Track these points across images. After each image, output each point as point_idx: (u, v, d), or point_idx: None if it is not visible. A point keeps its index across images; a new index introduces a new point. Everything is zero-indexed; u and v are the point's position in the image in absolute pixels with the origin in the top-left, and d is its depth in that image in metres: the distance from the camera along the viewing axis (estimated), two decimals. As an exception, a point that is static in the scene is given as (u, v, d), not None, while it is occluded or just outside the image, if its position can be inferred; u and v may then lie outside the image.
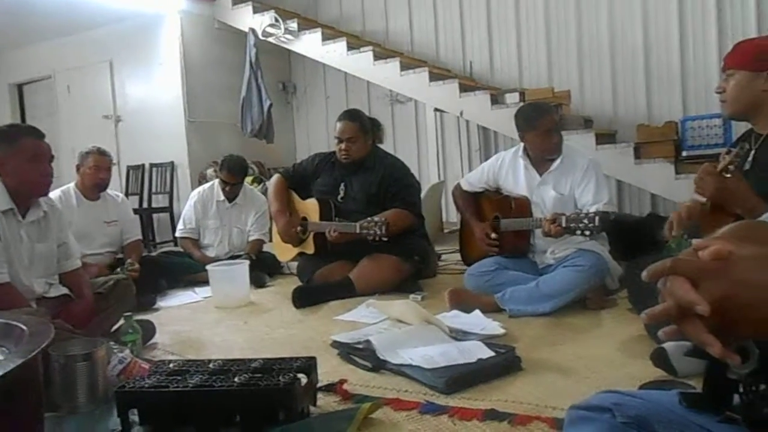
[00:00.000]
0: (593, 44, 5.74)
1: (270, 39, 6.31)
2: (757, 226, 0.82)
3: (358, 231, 3.13)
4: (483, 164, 3.30)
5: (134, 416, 1.63)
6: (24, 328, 1.39)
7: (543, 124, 2.89)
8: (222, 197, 4.32)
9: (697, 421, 0.85)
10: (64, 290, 2.47)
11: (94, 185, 3.66)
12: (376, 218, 3.09)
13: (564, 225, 2.56)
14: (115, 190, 4.33)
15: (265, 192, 4.56)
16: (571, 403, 0.96)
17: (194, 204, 4.35)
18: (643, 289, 1.95)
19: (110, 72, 7.01)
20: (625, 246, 3.07)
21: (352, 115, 3.57)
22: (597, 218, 2.48)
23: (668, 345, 1.82)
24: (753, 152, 1.91)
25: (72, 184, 3.71)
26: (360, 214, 3.23)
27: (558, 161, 2.92)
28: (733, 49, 1.99)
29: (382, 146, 3.77)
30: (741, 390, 0.78)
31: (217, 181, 4.40)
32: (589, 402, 0.95)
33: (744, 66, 1.90)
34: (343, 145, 3.49)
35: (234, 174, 4.26)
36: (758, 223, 0.84)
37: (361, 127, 3.51)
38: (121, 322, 2.36)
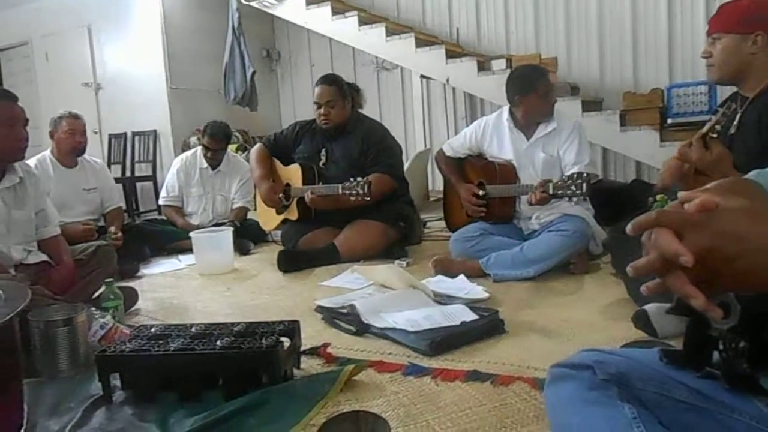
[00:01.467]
0: (581, 11, 5.68)
1: (253, 3, 6.18)
2: (743, 182, 0.82)
3: (340, 192, 3.11)
4: (465, 129, 3.27)
5: (116, 381, 1.63)
6: (-1, 292, 1.37)
7: (544, 86, 2.88)
8: (205, 164, 4.26)
9: (677, 378, 0.85)
10: (44, 257, 2.43)
11: (71, 149, 3.58)
12: (358, 178, 3.08)
13: (551, 192, 2.56)
14: (97, 157, 4.27)
15: (248, 160, 4.51)
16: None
17: (177, 171, 4.30)
18: (626, 254, 1.95)
19: (89, 38, 6.84)
20: (610, 211, 3.07)
21: (329, 79, 3.55)
22: (584, 185, 2.47)
23: (650, 307, 1.84)
24: (739, 115, 1.90)
25: (47, 152, 3.62)
26: (342, 179, 3.21)
27: (551, 125, 2.90)
28: (718, 12, 1.95)
29: (364, 112, 3.73)
30: (721, 347, 0.79)
31: (200, 148, 4.35)
32: (570, 360, 0.96)
33: (730, 29, 1.87)
34: (322, 110, 3.46)
35: (216, 139, 4.20)
36: (743, 179, 0.83)
37: (339, 90, 3.48)
38: (103, 288, 2.33)
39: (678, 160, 1.79)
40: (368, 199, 3.06)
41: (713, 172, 1.76)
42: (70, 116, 3.58)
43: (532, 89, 2.87)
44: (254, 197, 4.08)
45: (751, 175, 0.84)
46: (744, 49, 1.85)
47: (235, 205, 4.25)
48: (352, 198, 3.08)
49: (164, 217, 4.39)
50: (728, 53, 1.88)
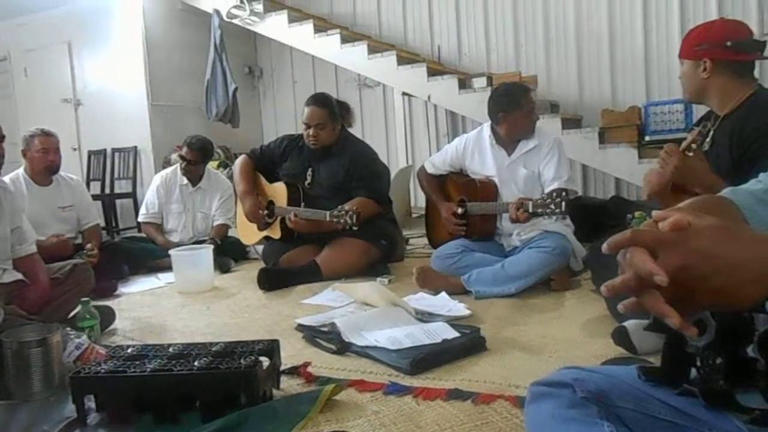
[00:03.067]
0: (559, 30, 5.77)
1: (235, 21, 6.19)
2: (715, 200, 0.83)
3: (328, 219, 3.08)
4: (446, 146, 3.28)
5: (90, 403, 1.59)
6: (-31, 312, 1.34)
7: (528, 103, 2.91)
8: (185, 181, 4.23)
9: (656, 395, 0.86)
10: (18, 276, 2.38)
11: (44, 169, 3.48)
12: (346, 206, 3.04)
13: (531, 210, 2.57)
14: (76, 175, 4.20)
15: (230, 177, 4.48)
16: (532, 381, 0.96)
17: (157, 188, 4.26)
18: (607, 270, 1.97)
19: (69, 54, 6.78)
20: (590, 228, 3.11)
21: (320, 101, 3.48)
22: (563, 203, 2.49)
23: (629, 323, 1.85)
24: (711, 133, 1.95)
25: (21, 170, 3.52)
26: (327, 201, 3.19)
27: (533, 142, 2.93)
28: (683, 39, 2.05)
29: (351, 130, 3.72)
30: (698, 363, 0.79)
31: (179, 164, 4.31)
32: (550, 378, 0.96)
33: (686, 55, 1.98)
34: (311, 131, 3.42)
35: (192, 150, 4.15)
36: (717, 197, 0.84)
37: (330, 113, 3.44)
38: (79, 307, 2.29)
39: (660, 170, 1.84)
40: (355, 229, 3.00)
41: (691, 181, 1.80)
42: (42, 134, 3.48)
43: (517, 106, 2.89)
44: (235, 213, 4.05)
45: (724, 192, 0.85)
46: (697, 74, 1.94)
47: (216, 223, 4.21)
48: (339, 226, 3.03)
49: (144, 235, 4.34)
50: (687, 78, 2.00)
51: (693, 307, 0.65)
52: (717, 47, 1.89)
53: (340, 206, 3.07)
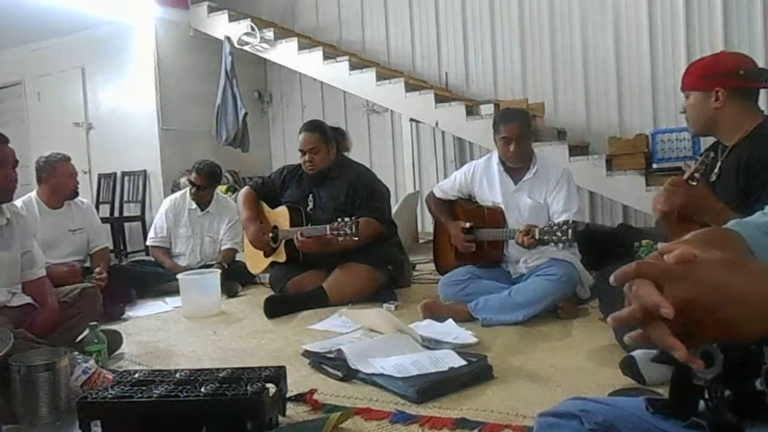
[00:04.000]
0: (566, 57, 5.82)
1: (246, 47, 6.29)
2: (721, 232, 0.83)
3: (328, 233, 3.11)
4: (456, 172, 3.31)
5: (97, 428, 1.59)
6: (-20, 336, 1.35)
7: (505, 130, 2.91)
8: (194, 205, 4.26)
9: (664, 427, 0.85)
10: (28, 299, 2.40)
11: (70, 192, 3.57)
12: (346, 219, 3.08)
13: (537, 237, 2.57)
14: (86, 198, 4.24)
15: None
16: (539, 412, 0.96)
17: (165, 212, 4.28)
18: (614, 299, 1.96)
19: (82, 79, 6.90)
20: (597, 255, 3.09)
21: (312, 126, 3.58)
22: (570, 231, 2.49)
23: (637, 353, 1.83)
24: (719, 163, 1.94)
25: (33, 194, 3.56)
26: (329, 223, 3.21)
27: (532, 170, 2.94)
28: (686, 71, 2.05)
29: (356, 155, 3.76)
30: (706, 396, 0.79)
31: (188, 188, 4.34)
32: (557, 409, 0.95)
33: (694, 87, 1.97)
34: (306, 157, 3.49)
35: (201, 175, 4.19)
36: (722, 229, 0.85)
37: (322, 137, 3.51)
38: (87, 331, 2.30)
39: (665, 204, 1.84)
40: (356, 239, 3.05)
41: (696, 211, 1.79)
42: (65, 159, 3.56)
43: (496, 131, 2.95)
44: (242, 240, 4.07)
45: (730, 224, 0.86)
46: (708, 104, 1.92)
47: (224, 247, 4.23)
48: (340, 238, 3.07)
49: (152, 258, 4.36)
50: (695, 110, 1.97)
51: (700, 340, 0.65)
52: (730, 77, 1.89)
53: (339, 218, 3.10)
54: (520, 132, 2.90)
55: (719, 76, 1.90)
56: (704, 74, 1.94)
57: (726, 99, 1.89)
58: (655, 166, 4.80)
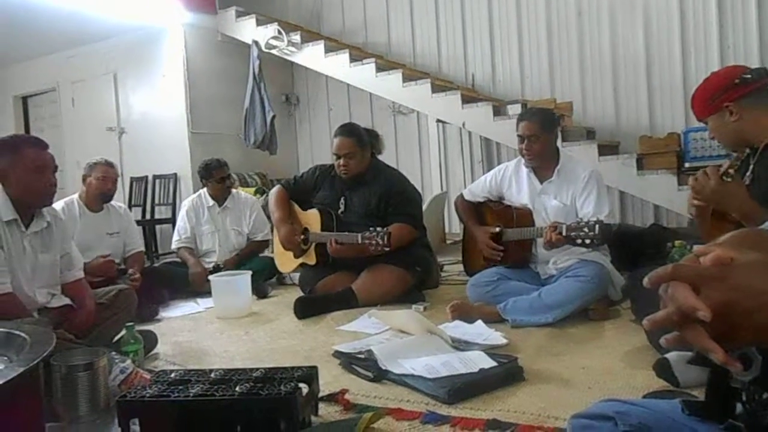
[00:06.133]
0: (595, 56, 5.76)
1: (273, 51, 6.35)
2: (758, 234, 0.82)
3: (360, 242, 3.13)
4: (486, 174, 3.31)
5: (135, 426, 1.63)
6: (25, 337, 1.40)
7: (519, 128, 2.94)
8: (211, 202, 4.35)
9: (700, 430, 0.84)
10: (66, 300, 2.47)
11: (100, 194, 3.67)
12: (378, 228, 3.09)
13: (564, 234, 2.56)
14: (118, 201, 4.34)
15: (265, 205, 4.56)
16: (572, 414, 0.96)
17: (187, 212, 4.38)
18: (647, 300, 1.95)
19: (114, 84, 7.04)
20: (629, 256, 3.06)
21: (348, 131, 3.56)
22: (597, 227, 2.47)
23: (671, 355, 1.82)
24: (752, 166, 1.93)
25: (75, 196, 3.72)
26: (360, 227, 3.22)
27: (555, 171, 2.92)
28: (692, 107, 2.10)
29: (382, 157, 3.77)
30: (744, 398, 0.78)
31: (204, 189, 4.43)
32: (591, 411, 0.95)
33: (706, 114, 2.01)
34: (341, 161, 3.49)
35: (223, 166, 4.34)
36: (759, 230, 0.84)
37: (358, 142, 3.51)
38: (123, 332, 2.36)
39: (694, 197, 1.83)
40: (388, 249, 3.06)
41: (730, 207, 1.78)
42: (105, 163, 3.72)
43: (516, 128, 2.96)
44: (272, 238, 4.12)
45: (766, 226, 0.85)
46: (727, 122, 1.95)
47: (256, 238, 4.35)
48: (372, 248, 3.08)
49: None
50: (719, 131, 2.01)
51: (737, 343, 0.65)
52: (730, 89, 1.93)
53: (371, 227, 3.11)
54: (533, 131, 2.90)
55: (721, 93, 1.95)
56: (707, 98, 1.99)
57: (740, 109, 1.92)
58: (687, 165, 4.71)
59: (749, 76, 1.92)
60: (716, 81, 2.00)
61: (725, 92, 1.93)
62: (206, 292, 3.65)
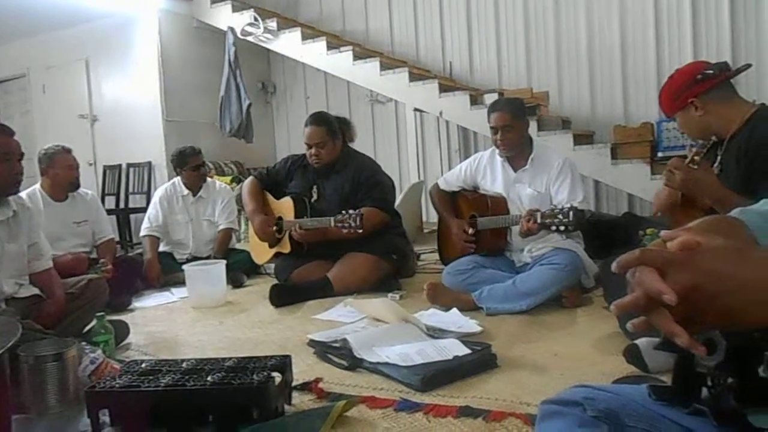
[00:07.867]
0: (571, 46, 5.80)
1: (249, 38, 6.27)
2: (725, 220, 0.83)
3: (332, 225, 3.12)
4: (461, 164, 3.31)
5: (105, 417, 1.60)
6: (-12, 327, 1.36)
7: (492, 120, 2.95)
8: (186, 191, 4.26)
9: (667, 414, 0.85)
10: (35, 290, 2.42)
11: (69, 184, 3.56)
12: (351, 211, 3.09)
13: (539, 221, 2.57)
14: (92, 190, 4.24)
15: (238, 197, 4.50)
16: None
17: (160, 200, 4.25)
18: (618, 287, 1.98)
19: (86, 71, 6.91)
20: (601, 244, 3.09)
21: (318, 120, 3.55)
22: (571, 213, 2.49)
23: (641, 341, 1.84)
24: (719, 157, 2.00)
25: (37, 186, 3.56)
26: (334, 214, 3.21)
27: (529, 160, 2.94)
28: (659, 104, 2.21)
29: (359, 145, 3.76)
30: (709, 383, 0.79)
31: (177, 178, 4.33)
32: (560, 396, 0.95)
33: (674, 109, 2.11)
34: (313, 150, 3.49)
35: (198, 154, 4.25)
36: (726, 217, 0.85)
37: (329, 130, 3.50)
38: (93, 322, 2.32)
39: (666, 186, 1.89)
40: (360, 231, 3.07)
41: (701, 194, 1.83)
42: (65, 151, 3.55)
43: (488, 119, 2.97)
44: (242, 224, 4.07)
45: (734, 212, 0.86)
46: (693, 116, 2.05)
47: (220, 227, 4.22)
48: (345, 230, 3.08)
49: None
50: (687, 126, 2.11)
51: (702, 327, 0.66)
52: (693, 85, 2.02)
53: (344, 211, 3.11)
54: (506, 121, 2.91)
55: (685, 90, 2.04)
56: (672, 96, 2.09)
57: (704, 104, 2.01)
58: (660, 154, 4.78)
59: (710, 71, 2.00)
60: (679, 79, 2.08)
61: (689, 89, 2.02)
62: (181, 282, 3.60)
